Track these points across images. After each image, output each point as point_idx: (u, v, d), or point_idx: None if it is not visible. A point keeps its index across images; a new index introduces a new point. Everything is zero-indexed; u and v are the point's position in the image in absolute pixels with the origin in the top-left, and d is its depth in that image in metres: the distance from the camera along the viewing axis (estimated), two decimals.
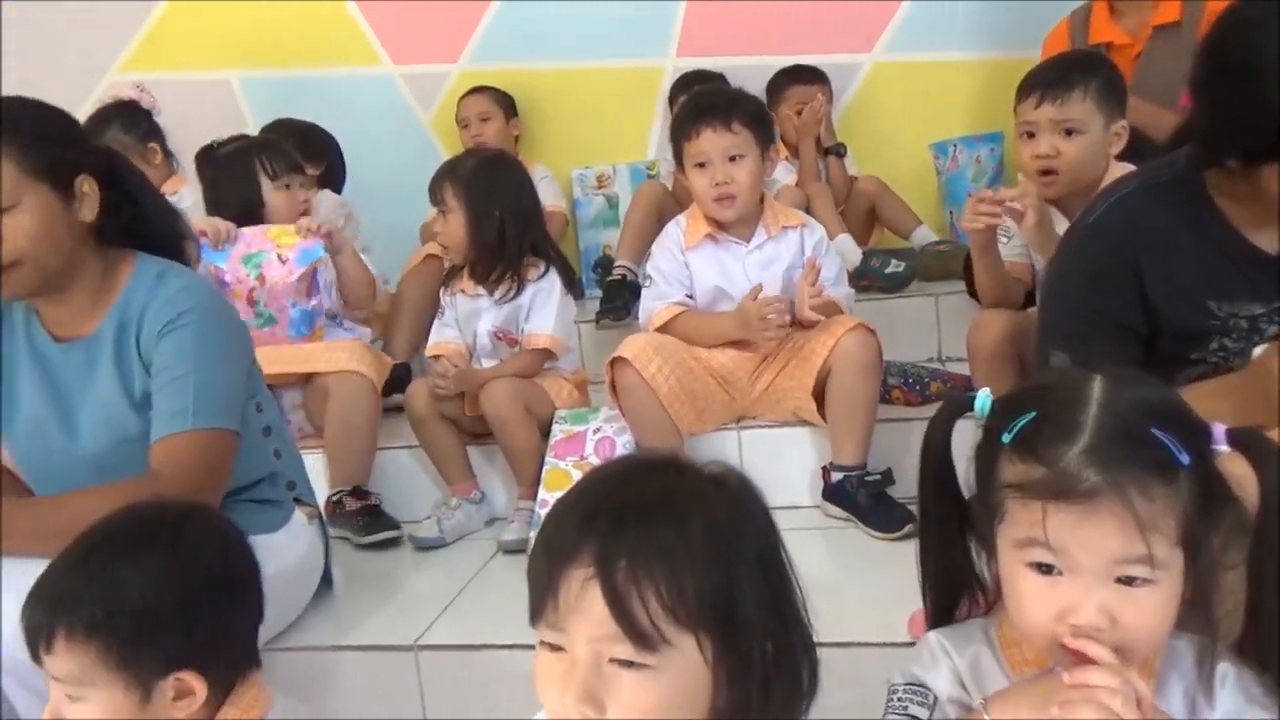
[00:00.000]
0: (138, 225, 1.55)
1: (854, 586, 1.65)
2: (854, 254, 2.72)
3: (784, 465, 2.02)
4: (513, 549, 1.96)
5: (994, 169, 2.97)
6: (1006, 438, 0.84)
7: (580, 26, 3.22)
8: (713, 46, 3.16)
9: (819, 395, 1.93)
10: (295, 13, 3.32)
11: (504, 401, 2.02)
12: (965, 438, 0.92)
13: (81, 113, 3.16)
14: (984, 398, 0.92)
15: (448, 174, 2.14)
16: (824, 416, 1.93)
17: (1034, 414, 0.84)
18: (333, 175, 2.96)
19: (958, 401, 0.94)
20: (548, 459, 1.99)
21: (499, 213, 2.11)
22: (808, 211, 2.49)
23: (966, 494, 0.93)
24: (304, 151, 2.82)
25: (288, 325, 2.26)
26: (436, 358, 2.18)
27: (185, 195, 2.78)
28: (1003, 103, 2.74)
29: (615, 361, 1.94)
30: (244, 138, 2.40)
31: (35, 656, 1.08)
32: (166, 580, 1.09)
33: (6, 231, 1.39)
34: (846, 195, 2.97)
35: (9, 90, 3.58)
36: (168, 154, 2.90)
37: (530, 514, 1.98)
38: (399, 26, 3.32)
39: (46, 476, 1.56)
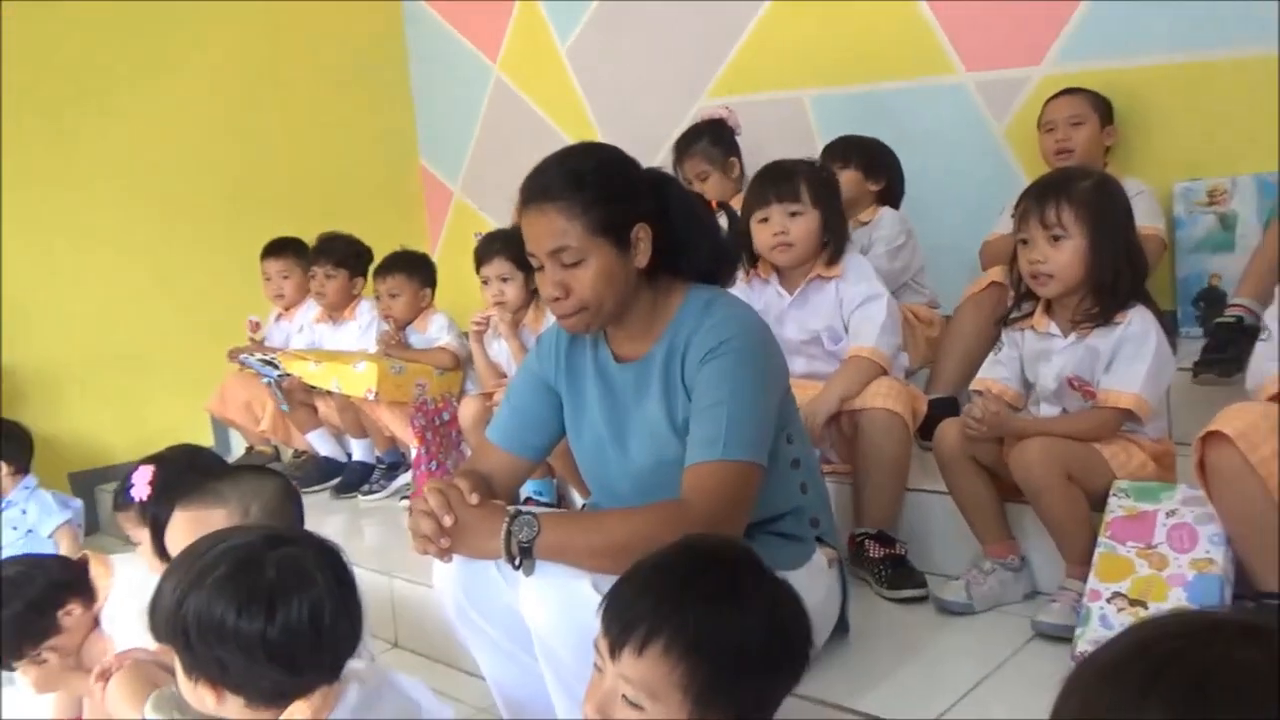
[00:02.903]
0: (683, 258, 1.62)
1: None
2: None
3: None
4: (1051, 634, 1.70)
5: None
6: None
7: (1195, 10, 2.68)
8: None
9: None
10: (869, 27, 3.28)
11: (1035, 464, 1.74)
12: None
13: (675, 132, 3.53)
14: None
15: (1060, 193, 1.80)
16: None
17: None
18: (892, 191, 2.87)
19: None
20: (1102, 539, 1.67)
21: (1121, 243, 1.80)
22: None
23: None
24: (865, 167, 2.79)
25: None
26: (978, 393, 1.95)
27: None
28: None
29: (1210, 437, 1.52)
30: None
31: (617, 650, 1.08)
32: (760, 629, 1.09)
33: (572, 284, 1.53)
34: None
35: (616, 110, 4.10)
36: (742, 172, 3.09)
37: (1077, 598, 1.69)
38: (976, 29, 3.09)
39: (602, 487, 1.73)
